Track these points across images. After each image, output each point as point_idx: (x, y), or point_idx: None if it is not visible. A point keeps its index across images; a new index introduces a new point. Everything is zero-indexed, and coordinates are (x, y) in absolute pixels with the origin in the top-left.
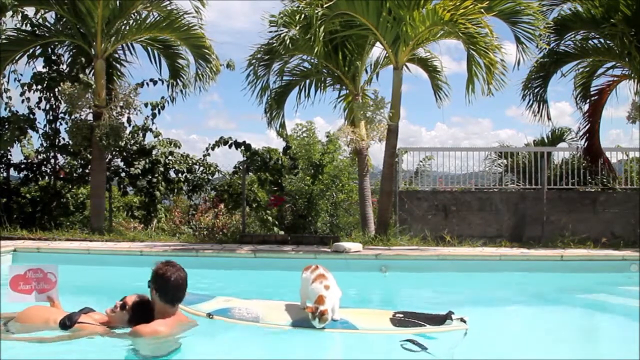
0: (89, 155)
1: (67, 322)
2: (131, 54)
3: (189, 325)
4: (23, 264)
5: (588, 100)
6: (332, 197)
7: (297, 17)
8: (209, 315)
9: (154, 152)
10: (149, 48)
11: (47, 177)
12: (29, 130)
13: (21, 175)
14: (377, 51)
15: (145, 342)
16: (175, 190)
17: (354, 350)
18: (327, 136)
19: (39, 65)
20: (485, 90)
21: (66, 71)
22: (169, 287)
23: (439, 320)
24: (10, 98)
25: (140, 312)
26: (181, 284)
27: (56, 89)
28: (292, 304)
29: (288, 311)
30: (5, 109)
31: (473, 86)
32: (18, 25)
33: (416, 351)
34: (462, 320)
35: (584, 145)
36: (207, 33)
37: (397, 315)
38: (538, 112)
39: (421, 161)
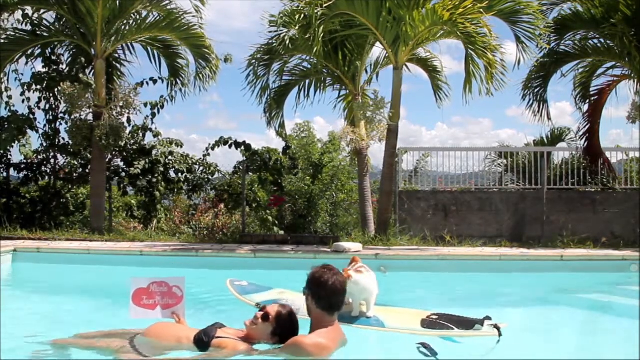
0: (89, 155)
1: (204, 339)
2: (131, 53)
3: (343, 341)
4: (145, 276)
5: (588, 101)
6: (332, 197)
7: (297, 17)
8: (258, 305)
9: (153, 152)
10: (148, 48)
11: (47, 177)
12: (29, 131)
13: (21, 175)
14: (377, 51)
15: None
16: (175, 190)
17: (375, 347)
18: (329, 136)
19: (39, 66)
20: (484, 90)
21: (66, 71)
22: (325, 292)
23: (469, 324)
24: (10, 97)
25: (285, 324)
26: (339, 289)
27: (56, 89)
28: None
29: None
30: (6, 109)
31: (470, 86)
32: (18, 25)
33: (429, 356)
34: (495, 327)
35: (583, 145)
36: (206, 33)
37: (431, 316)
38: (538, 111)
39: (418, 160)
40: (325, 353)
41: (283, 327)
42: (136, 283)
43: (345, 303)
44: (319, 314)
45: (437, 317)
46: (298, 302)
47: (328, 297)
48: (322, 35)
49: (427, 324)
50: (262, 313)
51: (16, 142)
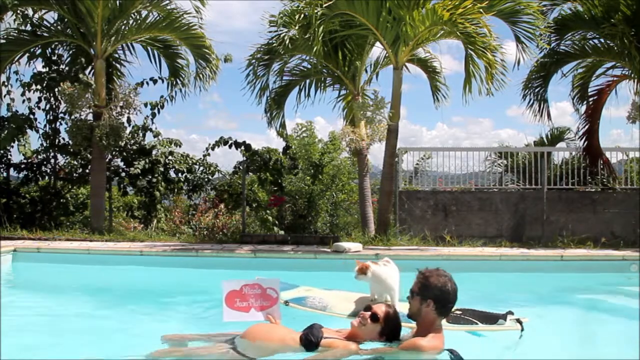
0: (89, 155)
1: (313, 339)
2: (131, 53)
3: None
4: (237, 278)
5: (585, 101)
6: (332, 197)
7: (297, 17)
8: (286, 302)
9: (153, 152)
10: (149, 48)
11: (47, 177)
12: (28, 130)
13: (21, 175)
14: (377, 51)
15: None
16: (175, 190)
17: None
18: (330, 137)
19: (39, 66)
20: (483, 90)
21: (66, 71)
22: (450, 300)
23: (492, 319)
24: (13, 100)
25: (393, 323)
26: (456, 295)
27: (56, 89)
28: (364, 296)
29: (355, 302)
30: (7, 110)
31: (470, 86)
32: (18, 26)
33: None
34: (518, 321)
35: (583, 145)
36: (206, 33)
37: (455, 312)
38: (538, 111)
39: (419, 161)
40: (437, 356)
41: (391, 326)
42: (228, 286)
43: (370, 300)
44: (434, 319)
45: (460, 312)
46: (326, 299)
47: (452, 304)
48: (321, 35)
49: (452, 319)
50: (370, 313)
51: (15, 141)
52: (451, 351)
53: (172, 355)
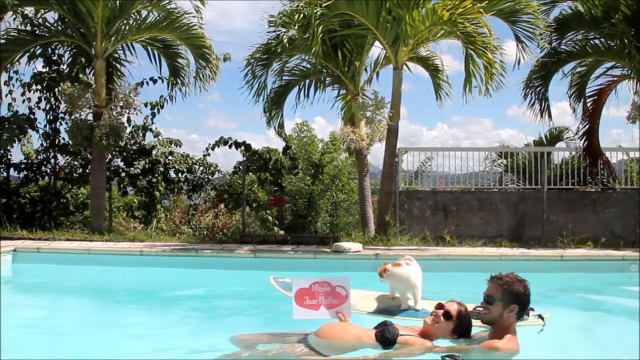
0: (89, 155)
1: (390, 337)
2: (131, 53)
3: None
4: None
5: (583, 102)
6: (332, 197)
7: (296, 17)
8: None
9: (153, 152)
10: (149, 48)
11: (47, 177)
12: (29, 130)
13: (21, 175)
14: (377, 50)
15: None
16: (175, 190)
17: None
18: (330, 137)
19: (39, 65)
20: (483, 90)
21: (66, 71)
22: (529, 303)
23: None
24: (14, 100)
25: (465, 321)
26: None
27: (56, 89)
28: (383, 294)
29: (376, 300)
30: (9, 110)
31: (470, 86)
32: (18, 25)
33: None
34: (540, 316)
35: (583, 145)
36: (206, 33)
37: (477, 308)
38: (539, 111)
39: (422, 162)
40: (512, 357)
41: (463, 324)
42: (298, 284)
43: (391, 297)
44: (512, 322)
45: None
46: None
47: (527, 308)
48: (321, 35)
49: (476, 315)
50: (443, 311)
51: (17, 141)
52: (452, 357)
53: (251, 355)
